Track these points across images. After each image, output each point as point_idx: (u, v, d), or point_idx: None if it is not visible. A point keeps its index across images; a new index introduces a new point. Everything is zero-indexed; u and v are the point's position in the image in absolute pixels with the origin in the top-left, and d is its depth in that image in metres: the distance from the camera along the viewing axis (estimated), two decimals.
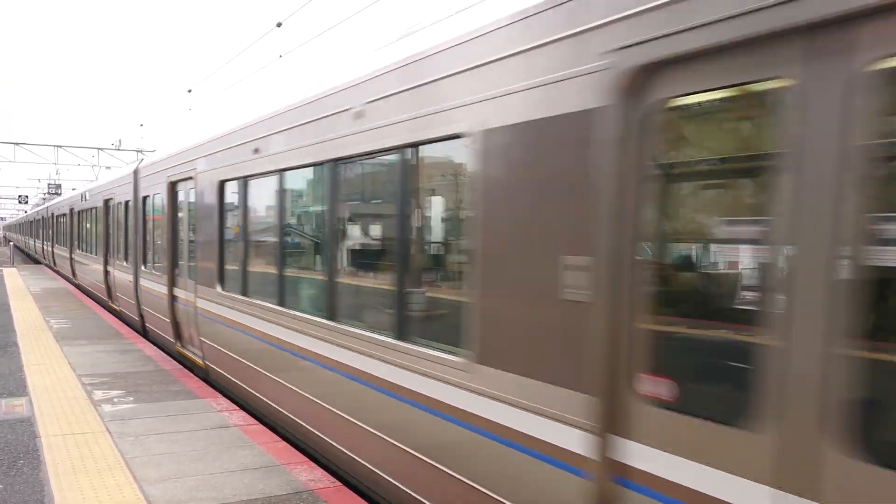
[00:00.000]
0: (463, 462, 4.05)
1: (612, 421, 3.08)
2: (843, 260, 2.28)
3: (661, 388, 2.92)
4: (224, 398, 8.00)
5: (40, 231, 41.49)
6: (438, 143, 4.35)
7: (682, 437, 2.80)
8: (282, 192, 6.70)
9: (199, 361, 9.42)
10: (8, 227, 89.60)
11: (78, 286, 22.00)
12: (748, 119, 2.83)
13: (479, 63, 3.90)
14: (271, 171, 6.83)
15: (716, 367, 2.88)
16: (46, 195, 56.90)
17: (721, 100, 2.78)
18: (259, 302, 7.24)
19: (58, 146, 39.54)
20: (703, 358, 2.94)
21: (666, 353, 2.94)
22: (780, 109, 2.48)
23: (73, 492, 5.14)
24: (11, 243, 43.06)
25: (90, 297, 19.37)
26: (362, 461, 5.26)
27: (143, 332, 13.16)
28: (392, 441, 4.74)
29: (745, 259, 2.93)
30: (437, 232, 4.89)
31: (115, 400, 7.79)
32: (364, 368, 5.18)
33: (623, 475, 3.06)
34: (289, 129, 6.40)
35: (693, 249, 3.12)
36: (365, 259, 5.72)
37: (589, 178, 3.16)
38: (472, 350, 3.94)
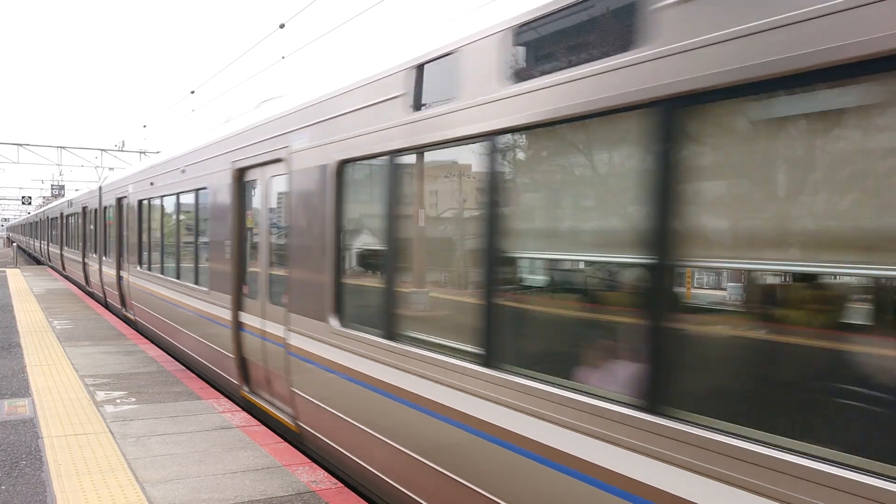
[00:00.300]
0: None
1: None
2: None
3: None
4: (226, 398, 8.00)
5: (41, 232, 41.63)
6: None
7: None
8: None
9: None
10: (11, 229, 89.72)
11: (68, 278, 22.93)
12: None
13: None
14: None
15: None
16: (49, 196, 57.01)
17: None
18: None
19: (61, 147, 39.59)
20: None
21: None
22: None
23: (75, 493, 5.14)
24: (15, 244, 43.11)
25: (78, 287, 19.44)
26: None
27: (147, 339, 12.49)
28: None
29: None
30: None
31: (118, 401, 7.80)
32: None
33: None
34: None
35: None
36: None
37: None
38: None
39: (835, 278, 2.63)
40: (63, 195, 48.57)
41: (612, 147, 3.29)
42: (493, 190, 3.82)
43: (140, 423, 6.93)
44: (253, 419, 7.19)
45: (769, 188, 2.64)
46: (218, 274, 8.39)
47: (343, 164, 5.51)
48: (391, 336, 4.83)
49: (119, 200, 15.48)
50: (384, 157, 4.87)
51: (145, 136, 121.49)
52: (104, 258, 17.30)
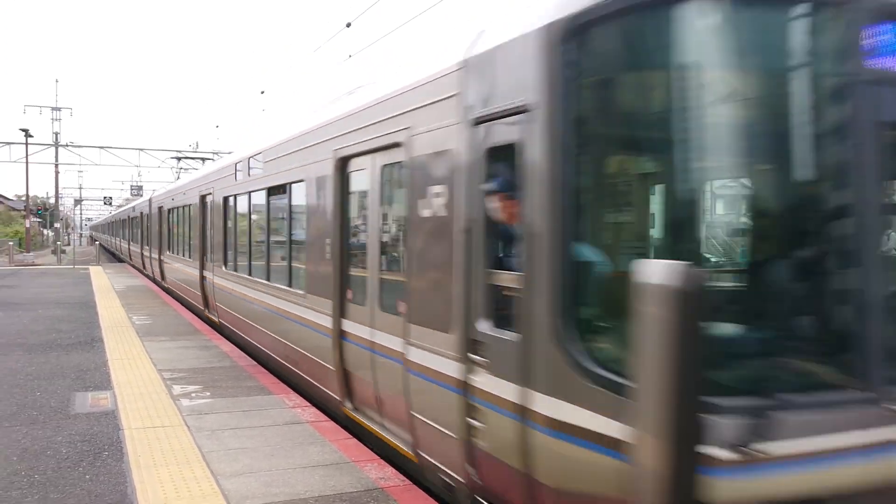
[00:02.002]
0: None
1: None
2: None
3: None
4: (296, 394, 8.14)
5: (121, 231, 43.27)
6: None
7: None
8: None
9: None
10: (94, 228, 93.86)
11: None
12: None
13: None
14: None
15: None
16: (128, 197, 59.34)
17: None
18: None
19: (140, 149, 41.22)
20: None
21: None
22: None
23: (153, 484, 5.31)
24: (97, 242, 45.06)
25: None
26: None
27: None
28: None
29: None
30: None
31: (193, 395, 8.03)
32: None
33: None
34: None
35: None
36: None
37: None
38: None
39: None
40: (141, 195, 50.50)
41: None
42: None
43: (214, 417, 7.11)
44: (322, 415, 7.29)
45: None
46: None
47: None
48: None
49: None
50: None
51: (218, 137, 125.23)
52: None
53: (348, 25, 13.57)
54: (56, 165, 41.62)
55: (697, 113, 3.37)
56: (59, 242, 56.18)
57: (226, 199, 12.58)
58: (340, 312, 6.84)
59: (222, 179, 12.88)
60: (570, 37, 3.50)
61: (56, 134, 40.28)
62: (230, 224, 12.44)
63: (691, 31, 3.43)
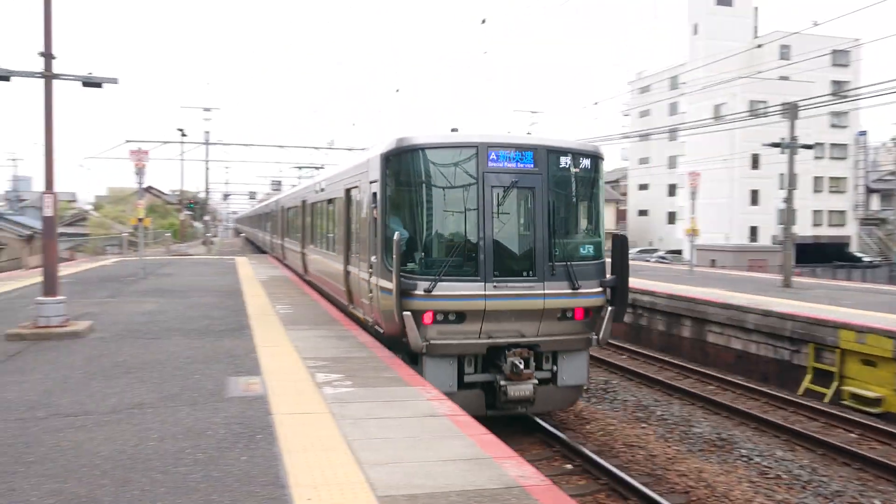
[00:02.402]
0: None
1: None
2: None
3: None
4: (432, 385, 8.26)
5: (263, 224, 45.74)
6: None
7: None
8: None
9: None
10: (238, 221, 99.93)
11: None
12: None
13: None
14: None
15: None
16: (269, 192, 62.61)
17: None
18: None
19: (280, 146, 43.42)
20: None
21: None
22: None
23: (302, 468, 5.56)
24: (242, 234, 47.94)
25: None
26: None
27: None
28: None
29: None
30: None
31: (335, 383, 8.34)
32: None
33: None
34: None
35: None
36: None
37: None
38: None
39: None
40: (280, 190, 53.15)
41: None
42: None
43: (357, 406, 7.35)
44: (459, 409, 7.36)
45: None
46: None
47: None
48: None
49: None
50: None
51: (354, 134, 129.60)
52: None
53: (483, 22, 13.63)
54: (206, 162, 44.68)
55: (421, 187, 10.48)
56: (208, 234, 60.26)
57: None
58: (346, 261, 13.66)
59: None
60: (386, 158, 10.66)
61: (207, 132, 43.22)
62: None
63: (416, 161, 10.48)
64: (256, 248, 53.52)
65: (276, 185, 60.67)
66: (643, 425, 12.60)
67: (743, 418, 12.95)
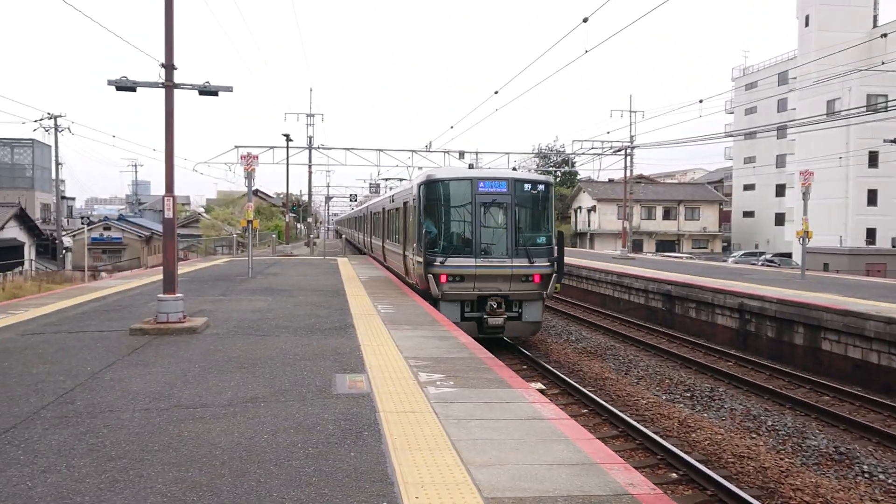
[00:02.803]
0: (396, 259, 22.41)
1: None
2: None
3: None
4: (535, 389, 8.21)
5: (363, 225, 46.88)
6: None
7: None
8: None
9: None
10: (339, 223, 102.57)
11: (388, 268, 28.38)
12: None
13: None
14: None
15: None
16: (368, 195, 63.90)
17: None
18: None
19: (379, 150, 44.27)
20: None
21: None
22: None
23: (409, 467, 5.64)
24: (343, 236, 49.24)
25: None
26: None
27: None
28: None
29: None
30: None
31: (438, 383, 8.42)
32: None
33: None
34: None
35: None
36: None
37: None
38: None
39: None
40: (378, 193, 54.18)
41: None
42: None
43: (460, 406, 7.40)
44: (562, 412, 7.28)
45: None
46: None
47: None
48: None
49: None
50: None
51: (452, 137, 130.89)
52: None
53: (585, 21, 13.42)
54: (309, 166, 46.02)
55: (440, 203, 17.70)
56: (311, 235, 62.18)
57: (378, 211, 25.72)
58: (404, 248, 20.26)
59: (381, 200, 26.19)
60: (419, 186, 17.79)
61: (310, 138, 44.50)
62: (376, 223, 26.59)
63: (437, 188, 17.62)
64: (355, 249, 54.86)
65: (375, 188, 61.84)
66: (753, 435, 12.07)
67: (863, 432, 12.18)
